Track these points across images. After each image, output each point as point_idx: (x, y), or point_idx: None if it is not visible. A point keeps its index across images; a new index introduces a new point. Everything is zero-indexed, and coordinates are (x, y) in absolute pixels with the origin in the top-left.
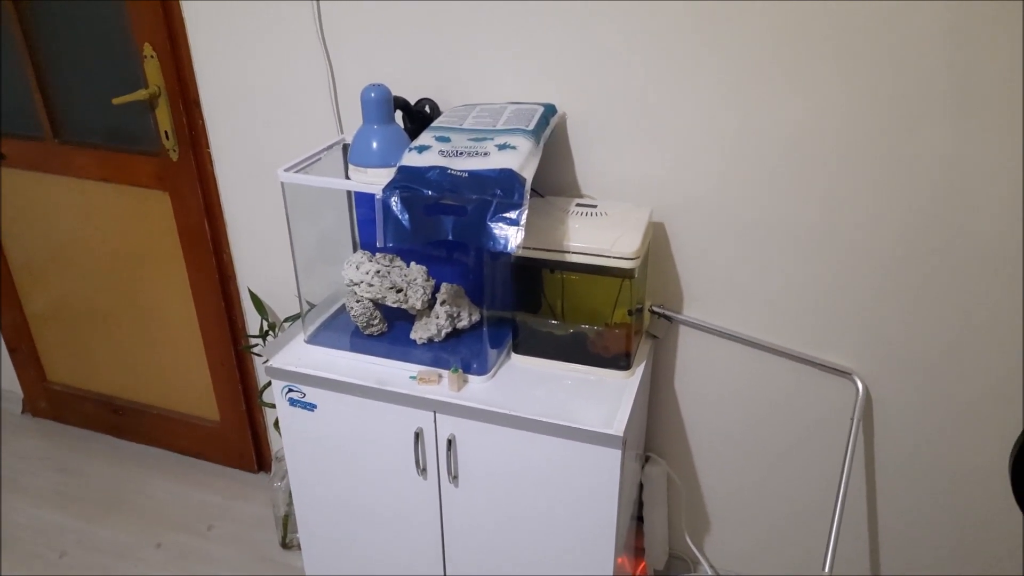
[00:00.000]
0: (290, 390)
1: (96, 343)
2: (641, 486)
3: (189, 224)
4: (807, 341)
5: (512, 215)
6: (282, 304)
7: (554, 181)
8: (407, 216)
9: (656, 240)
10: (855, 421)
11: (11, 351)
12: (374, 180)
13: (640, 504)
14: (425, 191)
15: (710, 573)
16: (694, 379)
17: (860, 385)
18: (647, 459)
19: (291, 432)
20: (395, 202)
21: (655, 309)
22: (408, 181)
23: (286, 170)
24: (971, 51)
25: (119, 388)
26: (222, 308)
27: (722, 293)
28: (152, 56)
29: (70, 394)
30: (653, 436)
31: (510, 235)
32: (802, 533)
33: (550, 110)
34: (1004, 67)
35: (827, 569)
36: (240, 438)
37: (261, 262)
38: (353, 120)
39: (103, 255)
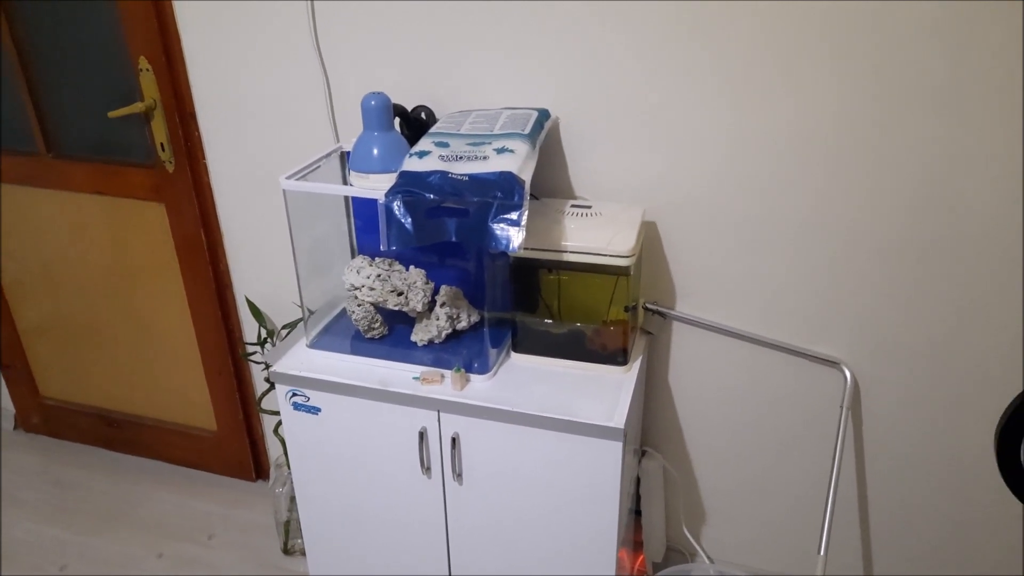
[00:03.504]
0: (294, 394)
1: (90, 357)
2: (638, 480)
3: (185, 234)
4: (797, 333)
5: (513, 216)
6: (279, 312)
7: (549, 184)
8: (410, 220)
9: (648, 239)
10: (844, 409)
11: (3, 367)
12: (377, 185)
13: (638, 498)
14: (427, 195)
15: (708, 564)
16: (688, 373)
17: (848, 374)
18: (644, 453)
19: (295, 436)
20: (398, 206)
21: (649, 306)
22: (410, 185)
23: (288, 178)
24: (961, 46)
25: (114, 401)
26: (219, 317)
27: (713, 288)
28: (148, 69)
29: (64, 409)
30: (649, 431)
31: (512, 235)
32: (797, 522)
33: (544, 115)
34: (993, 60)
35: (823, 552)
36: (238, 447)
37: (257, 270)
38: (349, 128)
39: (97, 268)
